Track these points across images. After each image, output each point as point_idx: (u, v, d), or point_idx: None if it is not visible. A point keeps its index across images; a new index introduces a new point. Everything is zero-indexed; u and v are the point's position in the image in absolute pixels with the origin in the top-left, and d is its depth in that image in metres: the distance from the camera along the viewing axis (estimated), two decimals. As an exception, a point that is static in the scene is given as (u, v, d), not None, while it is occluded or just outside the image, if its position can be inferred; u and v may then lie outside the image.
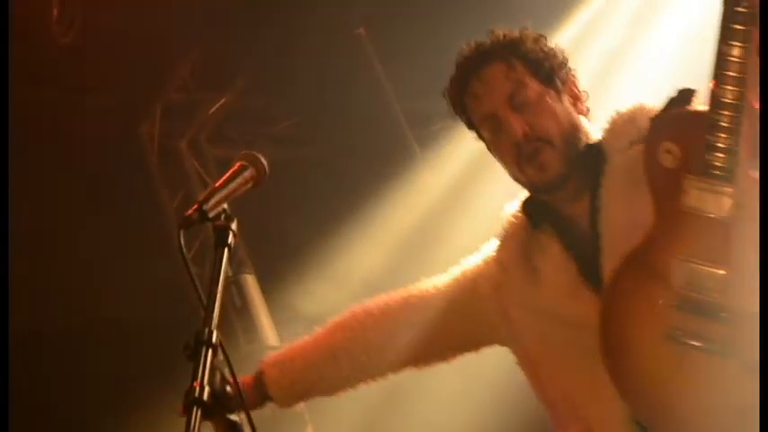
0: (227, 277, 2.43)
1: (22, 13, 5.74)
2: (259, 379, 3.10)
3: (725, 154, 2.39)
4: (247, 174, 2.53)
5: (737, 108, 2.37)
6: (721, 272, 2.41)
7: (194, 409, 2.12)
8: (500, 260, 2.97)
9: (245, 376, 3.07)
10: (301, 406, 5.65)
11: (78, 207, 6.46)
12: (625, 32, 5.98)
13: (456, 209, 6.25)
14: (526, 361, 2.97)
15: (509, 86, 2.81)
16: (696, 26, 5.37)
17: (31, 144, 6.14)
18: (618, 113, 2.85)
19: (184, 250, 2.35)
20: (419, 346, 3.09)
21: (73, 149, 6.47)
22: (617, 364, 2.55)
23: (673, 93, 2.64)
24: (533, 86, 2.82)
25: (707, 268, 2.43)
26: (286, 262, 6.54)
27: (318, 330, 3.15)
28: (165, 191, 7.00)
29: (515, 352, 3.01)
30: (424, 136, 6.48)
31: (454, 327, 3.07)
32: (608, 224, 2.73)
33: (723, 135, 2.39)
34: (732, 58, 2.37)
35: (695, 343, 2.43)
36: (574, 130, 2.83)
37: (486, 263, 3.03)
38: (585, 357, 2.67)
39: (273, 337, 6.47)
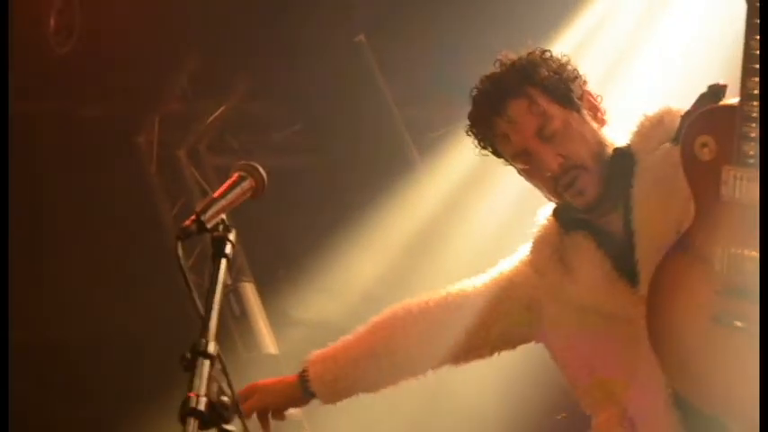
0: (225, 286, 2.43)
1: (20, 23, 5.75)
2: (303, 376, 3.18)
3: (757, 143, 2.52)
4: (246, 184, 2.54)
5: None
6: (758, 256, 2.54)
7: (191, 419, 2.12)
8: (533, 263, 3.05)
9: (288, 375, 3.23)
10: (299, 414, 5.64)
11: (76, 218, 6.46)
12: (629, 37, 5.97)
13: (456, 217, 6.24)
14: (561, 353, 3.06)
15: (535, 121, 2.85)
16: (699, 27, 5.37)
17: (29, 155, 6.14)
18: (646, 117, 2.92)
19: (182, 261, 2.36)
20: (458, 344, 3.16)
21: (71, 160, 6.47)
22: (664, 345, 2.67)
23: (703, 89, 2.73)
24: (557, 114, 2.86)
25: (747, 253, 2.55)
26: (285, 270, 6.54)
27: (360, 329, 3.23)
28: (164, 201, 6.99)
29: (550, 346, 3.09)
30: (424, 143, 6.46)
31: (492, 324, 3.13)
32: (641, 222, 2.81)
33: (756, 125, 2.51)
34: (758, 52, 2.49)
35: (739, 324, 2.55)
36: (602, 147, 2.89)
37: (523, 263, 3.10)
38: (624, 345, 2.81)
39: (272, 345, 6.47)
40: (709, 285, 2.59)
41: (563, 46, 5.79)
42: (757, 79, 2.49)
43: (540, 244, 3.04)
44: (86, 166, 6.51)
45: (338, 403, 3.23)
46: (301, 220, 6.69)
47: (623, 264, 2.85)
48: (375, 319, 3.23)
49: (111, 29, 6.12)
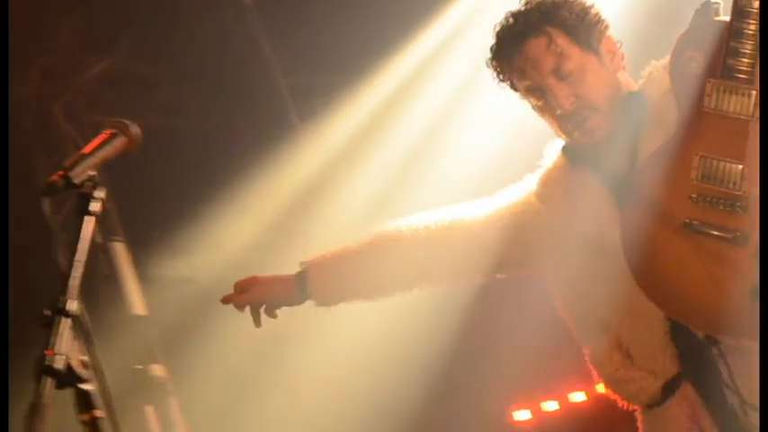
0: (93, 245, 2.39)
1: None
2: (302, 277, 3.26)
3: (749, 59, 2.61)
4: (117, 141, 2.52)
5: (758, 16, 2.61)
6: (739, 166, 2.63)
7: (45, 377, 2.09)
8: (540, 195, 3.14)
9: (286, 274, 3.28)
10: (164, 375, 5.62)
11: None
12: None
13: (334, 182, 6.26)
14: (559, 287, 3.15)
15: (552, 60, 2.93)
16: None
17: None
18: (654, 64, 3.01)
19: (48, 217, 2.32)
20: (454, 268, 3.27)
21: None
22: (639, 260, 2.75)
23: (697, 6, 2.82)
24: (575, 55, 2.94)
25: (726, 163, 2.64)
26: (160, 231, 6.48)
27: (363, 239, 3.31)
28: (39, 156, 6.85)
29: (547, 279, 3.18)
30: (306, 109, 6.46)
31: (491, 249, 3.20)
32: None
33: (747, 42, 2.61)
34: None
35: (713, 232, 2.64)
36: (616, 90, 2.98)
37: (528, 195, 3.19)
38: (622, 281, 2.84)
39: (140, 306, 6.40)
40: (682, 190, 2.68)
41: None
42: None
43: (548, 177, 3.14)
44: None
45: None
46: (180, 181, 6.63)
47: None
48: (379, 231, 3.32)
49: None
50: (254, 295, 3.26)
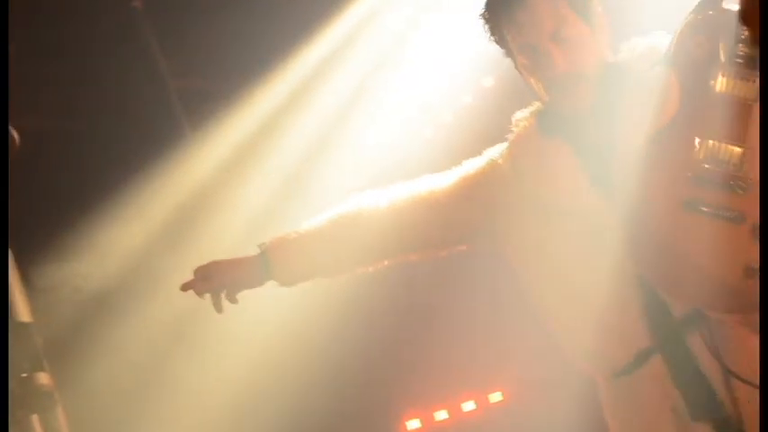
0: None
1: None
2: (264, 258, 3.27)
3: (756, 44, 2.68)
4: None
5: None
6: (739, 149, 2.75)
7: None
8: (509, 158, 3.16)
9: (246, 256, 3.30)
10: (51, 384, 5.50)
11: None
12: None
13: (225, 189, 6.22)
14: (525, 257, 3.18)
15: (553, 23, 3.00)
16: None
17: None
18: (642, 39, 3.11)
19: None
20: (418, 241, 3.29)
21: None
22: (635, 232, 2.84)
23: None
24: (574, 23, 3.01)
25: (728, 145, 2.76)
26: (47, 235, 6.35)
27: (324, 216, 3.31)
28: None
29: (513, 251, 3.20)
30: (196, 114, 6.39)
31: (455, 219, 3.23)
32: (624, 136, 2.95)
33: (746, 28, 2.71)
34: None
35: (711, 211, 2.75)
36: (603, 64, 3.07)
37: (493, 164, 3.21)
38: (593, 250, 2.97)
39: (26, 313, 6.25)
40: (684, 170, 2.77)
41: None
42: None
43: (519, 142, 3.18)
44: None
45: None
46: (68, 186, 6.50)
47: (600, 174, 3.00)
48: (340, 208, 3.31)
49: None
50: (215, 281, 3.24)
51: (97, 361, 5.91)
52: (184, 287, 3.33)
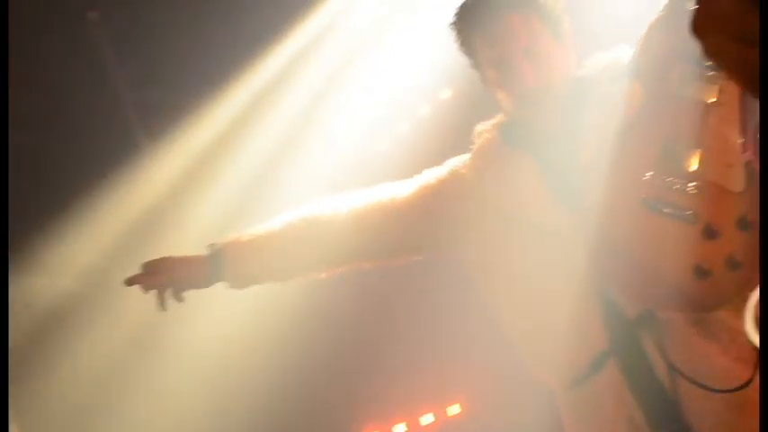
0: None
1: None
2: (216, 258, 3.20)
3: (708, 57, 2.65)
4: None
5: None
6: (697, 150, 2.74)
7: None
8: (472, 169, 3.17)
9: (197, 255, 3.24)
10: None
11: None
12: None
13: (180, 204, 6.18)
14: (487, 266, 3.17)
15: (526, 39, 3.01)
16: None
17: None
18: (605, 54, 3.14)
19: None
20: (374, 249, 3.27)
21: None
22: (593, 233, 2.84)
23: None
24: (546, 41, 3.04)
25: (685, 147, 2.75)
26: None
27: (281, 219, 3.26)
28: None
29: (470, 256, 3.18)
30: (152, 126, 6.35)
31: (413, 229, 3.21)
32: (587, 148, 2.96)
33: None
34: None
35: (666, 210, 2.75)
36: (571, 77, 3.11)
37: (453, 173, 3.21)
38: (556, 258, 2.98)
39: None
40: (642, 171, 2.76)
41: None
42: None
43: (482, 153, 3.18)
44: None
45: None
46: (19, 201, 6.43)
47: (561, 184, 3.02)
48: (297, 211, 3.27)
49: None
50: (163, 277, 3.18)
51: (51, 376, 5.86)
52: (129, 281, 3.26)
